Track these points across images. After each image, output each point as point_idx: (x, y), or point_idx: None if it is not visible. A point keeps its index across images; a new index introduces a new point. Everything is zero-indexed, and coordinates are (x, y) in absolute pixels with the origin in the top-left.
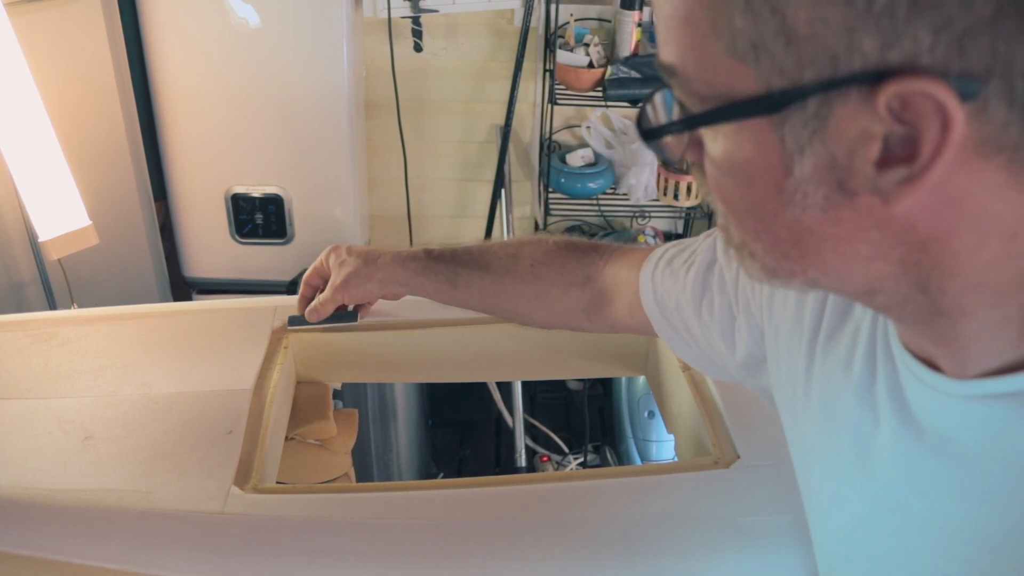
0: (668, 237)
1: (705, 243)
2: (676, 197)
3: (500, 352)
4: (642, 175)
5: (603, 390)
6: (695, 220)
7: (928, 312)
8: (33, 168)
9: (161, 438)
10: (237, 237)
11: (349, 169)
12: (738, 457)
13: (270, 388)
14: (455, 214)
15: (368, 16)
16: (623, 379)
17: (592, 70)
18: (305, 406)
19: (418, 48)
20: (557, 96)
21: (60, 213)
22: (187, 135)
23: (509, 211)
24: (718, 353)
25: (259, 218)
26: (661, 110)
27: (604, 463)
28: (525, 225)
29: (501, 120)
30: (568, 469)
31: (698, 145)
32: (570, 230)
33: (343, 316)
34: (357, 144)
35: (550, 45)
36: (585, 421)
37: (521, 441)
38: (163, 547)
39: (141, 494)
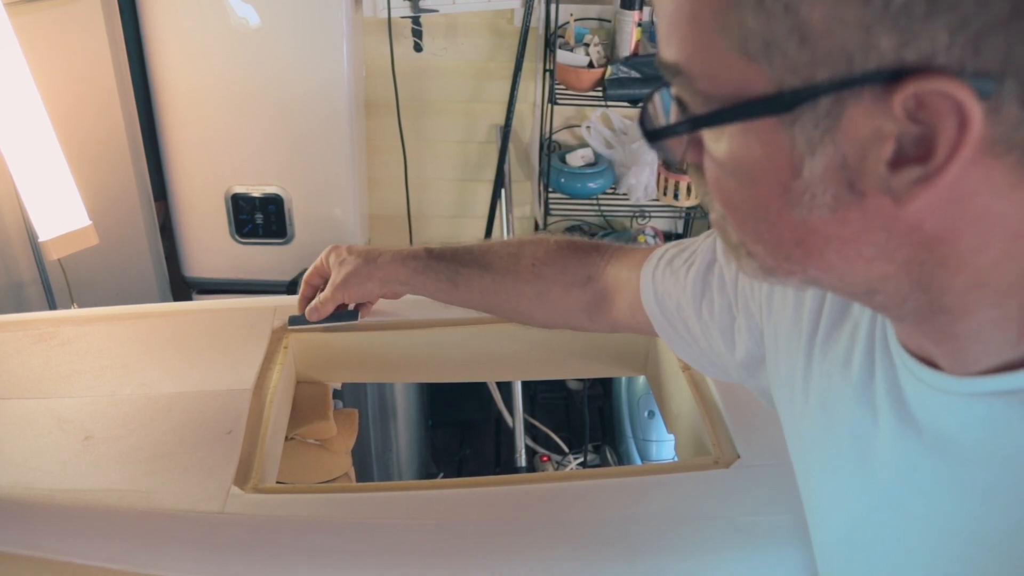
0: (668, 237)
1: (705, 243)
2: (676, 197)
3: (500, 352)
4: (642, 175)
5: (603, 390)
6: (695, 220)
7: (928, 311)
8: (33, 168)
9: (161, 438)
10: (237, 237)
11: (349, 169)
12: (738, 457)
13: (270, 388)
14: (455, 214)
15: (368, 16)
16: (623, 379)
17: (592, 70)
18: (305, 406)
19: (418, 48)
20: (557, 96)
21: (60, 213)
22: (187, 135)
23: (509, 211)
24: (718, 353)
25: (259, 218)
26: (662, 110)
27: (604, 463)
28: (525, 225)
29: (501, 120)
30: (568, 469)
31: (698, 145)
32: (570, 230)
33: (343, 315)
34: (357, 144)
35: (550, 45)
36: (585, 421)
37: (521, 441)
38: (163, 547)
39: (141, 494)
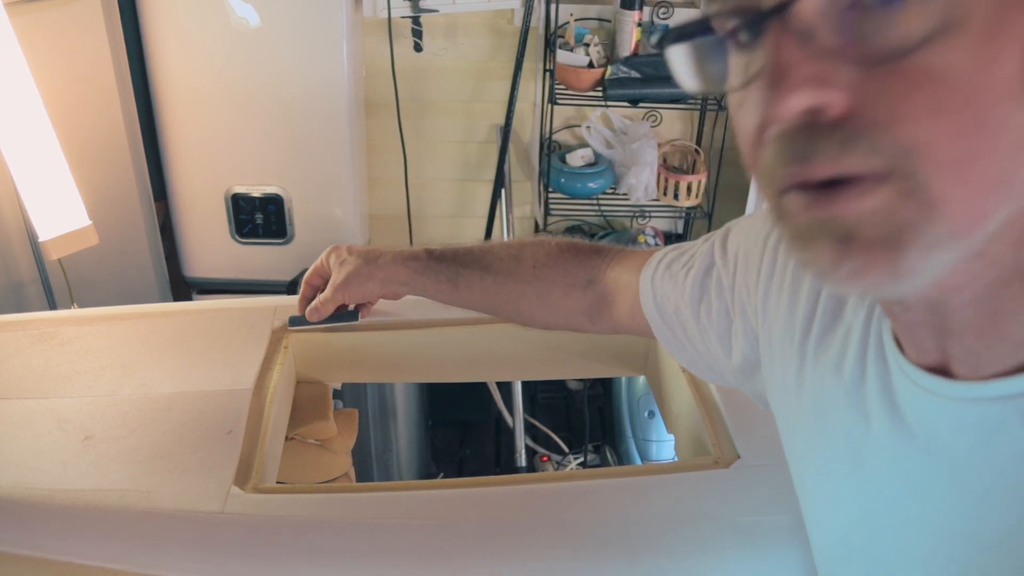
0: (668, 237)
1: (703, 247)
2: (676, 197)
3: (500, 352)
4: (642, 175)
5: (603, 390)
6: (695, 220)
7: (1014, 273)
8: (33, 168)
9: (161, 438)
10: (237, 237)
11: (349, 169)
12: (738, 457)
13: (270, 388)
14: (455, 214)
15: (368, 16)
16: (623, 379)
17: (592, 70)
18: (305, 406)
19: (418, 48)
20: (557, 96)
21: (60, 213)
22: (187, 135)
23: (509, 211)
24: (715, 357)
25: (259, 218)
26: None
27: (604, 463)
28: (525, 225)
29: (501, 120)
30: (568, 469)
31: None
32: (570, 230)
33: (344, 316)
34: (357, 144)
35: (550, 45)
36: (585, 421)
37: (521, 441)
38: (163, 547)
39: (141, 494)
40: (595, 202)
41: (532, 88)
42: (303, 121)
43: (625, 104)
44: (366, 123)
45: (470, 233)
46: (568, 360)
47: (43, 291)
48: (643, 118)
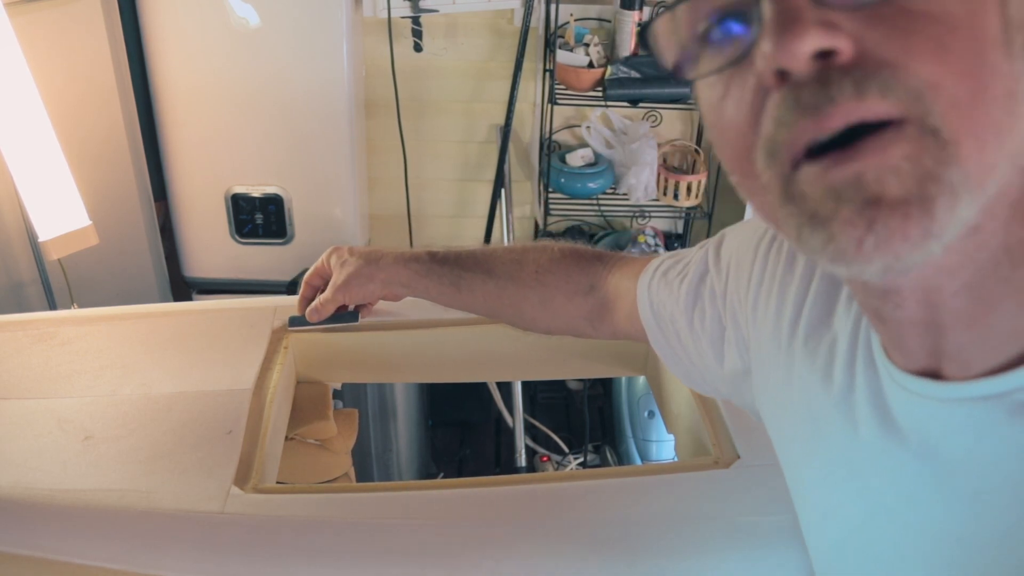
0: (668, 237)
1: (698, 254)
2: (676, 197)
3: (500, 352)
4: (642, 175)
5: (603, 390)
6: (695, 220)
7: (995, 264)
8: (33, 168)
9: (161, 438)
10: (237, 237)
11: (349, 169)
12: (738, 457)
13: (270, 388)
14: (455, 214)
15: (368, 16)
16: (623, 379)
17: (592, 70)
18: (305, 406)
19: (418, 48)
20: (557, 96)
21: (60, 213)
22: (187, 135)
23: (509, 211)
24: (707, 365)
25: (259, 218)
26: None
27: (604, 463)
28: (525, 225)
29: (501, 120)
30: (568, 469)
31: None
32: (570, 230)
33: (344, 316)
34: (357, 144)
35: (550, 45)
36: (585, 421)
37: (521, 441)
38: (163, 547)
39: (141, 494)
40: (595, 202)
41: (532, 88)
42: (303, 121)
43: (625, 104)
44: (366, 123)
45: (470, 233)
46: (568, 360)
47: (43, 291)
48: (643, 118)
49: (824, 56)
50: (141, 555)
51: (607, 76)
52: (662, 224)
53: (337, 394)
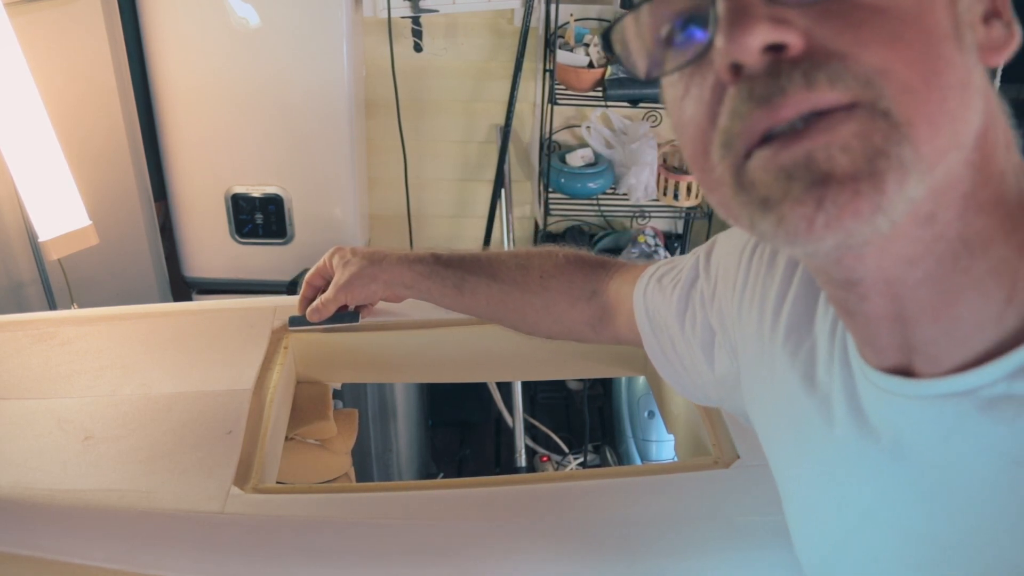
0: (668, 237)
1: (691, 260)
2: (676, 197)
3: (500, 352)
4: (642, 175)
5: (603, 390)
6: (695, 220)
7: (953, 253)
8: (33, 168)
9: (161, 438)
10: (237, 237)
11: (349, 169)
12: (738, 457)
13: (270, 388)
14: (455, 214)
15: (368, 16)
16: (623, 379)
17: (592, 70)
18: (305, 406)
19: (418, 48)
20: (557, 96)
21: (60, 213)
22: (187, 135)
23: (509, 211)
24: (699, 370)
25: (259, 218)
26: None
27: (604, 463)
28: (525, 225)
29: (501, 120)
30: (568, 469)
31: None
32: (570, 230)
33: (344, 316)
34: (357, 144)
35: (550, 45)
36: (585, 421)
37: (521, 441)
38: (163, 547)
39: (141, 494)
40: (595, 202)
41: (532, 88)
42: (303, 121)
43: (625, 104)
44: (366, 123)
45: (470, 233)
46: (568, 360)
47: (43, 291)
48: (643, 118)
49: (776, 51)
50: (141, 555)
51: (607, 76)
52: (662, 224)
53: (337, 394)
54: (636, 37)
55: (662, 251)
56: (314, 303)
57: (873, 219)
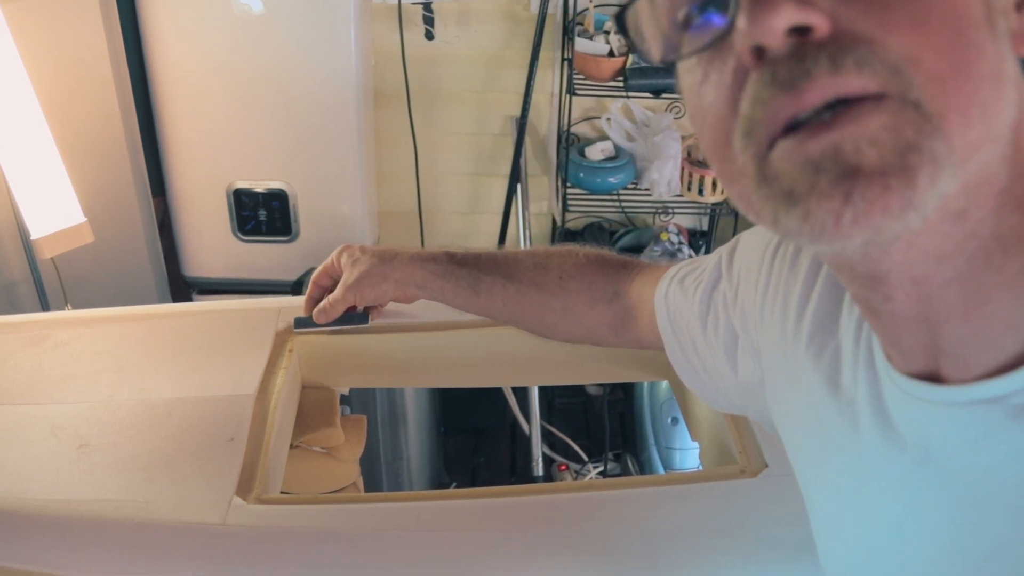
0: (692, 235)
1: (713, 260)
2: (701, 192)
3: (516, 356)
4: (665, 169)
5: (624, 395)
6: (720, 217)
7: (986, 251)
8: (25, 162)
9: (160, 445)
10: (239, 234)
11: (357, 163)
12: (766, 465)
13: (274, 393)
14: (468, 210)
15: (377, 2)
16: (645, 383)
17: (612, 59)
18: (311, 412)
19: (429, 36)
20: (576, 86)
21: (53, 209)
22: (187, 127)
23: (525, 207)
24: (722, 375)
25: (263, 214)
26: None
27: (625, 472)
28: (542, 222)
29: (517, 111)
30: (587, 478)
31: None
32: (589, 227)
33: (353, 318)
34: (365, 136)
35: (568, 33)
36: (605, 428)
37: (538, 449)
38: (162, 559)
39: (139, 504)
40: (615, 198)
41: (549, 78)
42: (309, 113)
43: (647, 95)
44: (375, 114)
45: (484, 230)
46: (587, 364)
47: (35, 291)
48: (666, 109)
49: (801, 33)
50: (139, 568)
51: (628, 65)
52: (686, 221)
53: (345, 399)
54: (651, 20)
55: (686, 249)
56: (321, 304)
57: (904, 216)
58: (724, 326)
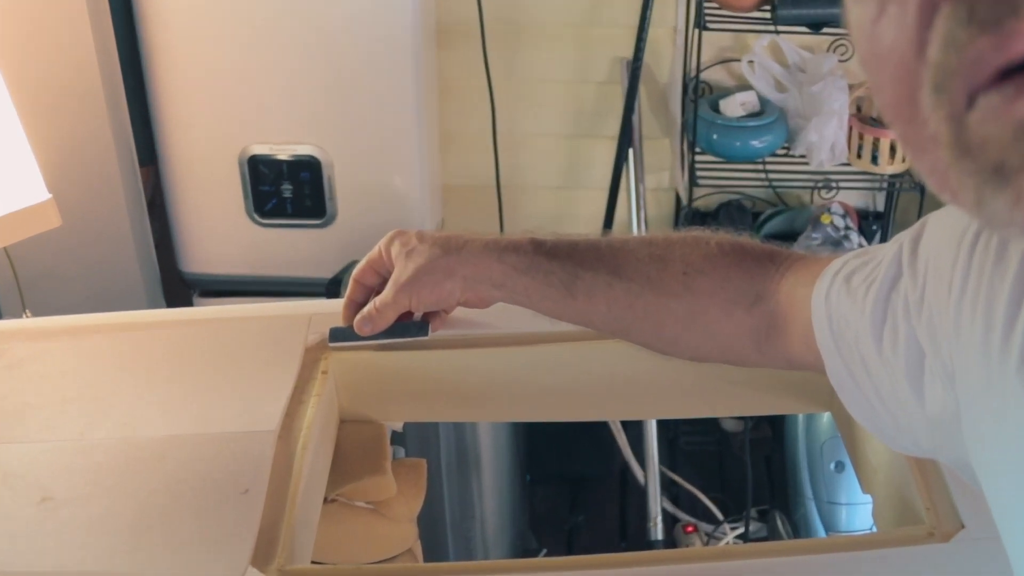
0: (863, 217)
1: (891, 251)
2: (875, 160)
3: (626, 380)
4: (827, 129)
5: (771, 432)
6: (901, 192)
7: None
8: None
9: (149, 500)
10: (256, 216)
11: (413, 120)
12: (962, 527)
13: (302, 429)
14: (563, 184)
15: None
16: (800, 417)
17: None
18: (352, 455)
19: None
20: (707, 18)
21: (8, 184)
22: (185, 75)
23: (639, 180)
24: (903, 404)
25: (287, 190)
26: None
27: (773, 535)
28: (662, 200)
29: (627, 52)
30: (723, 543)
31: None
32: (725, 207)
33: (408, 328)
34: (424, 85)
35: None
36: (746, 476)
37: (656, 504)
38: None
39: None
40: (760, 167)
41: (672, 6)
42: (348, 54)
43: (803, 30)
44: (438, 56)
45: (584, 211)
46: (722, 390)
47: None
48: (829, 49)
49: None
50: None
51: None
52: (854, 198)
53: (397, 438)
54: None
55: (854, 236)
56: (366, 309)
57: None
58: (905, 340)
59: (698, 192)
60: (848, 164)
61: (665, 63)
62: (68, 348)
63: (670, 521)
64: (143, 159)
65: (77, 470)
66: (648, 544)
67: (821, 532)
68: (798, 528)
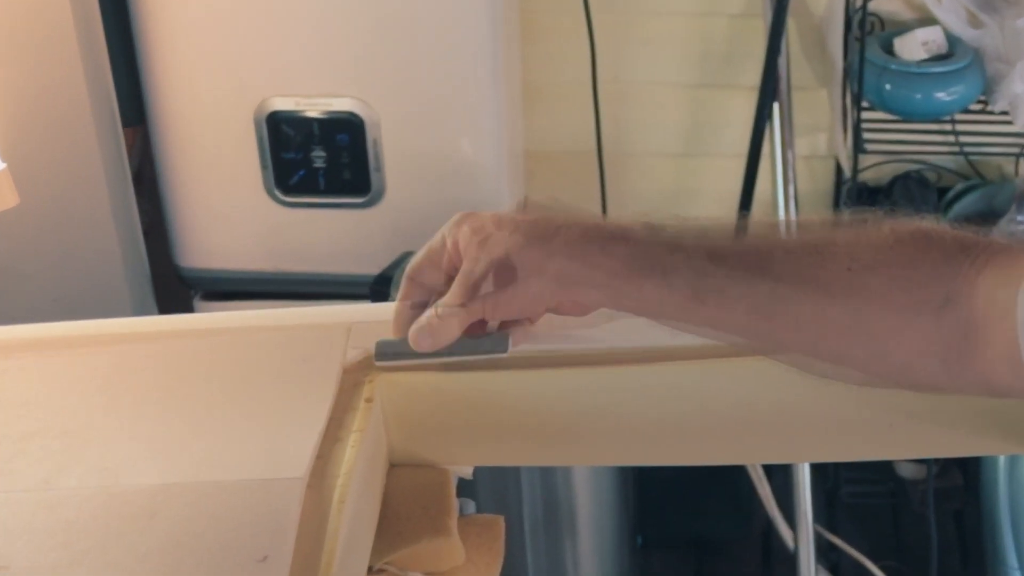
0: None
1: None
2: None
3: (770, 409)
4: None
5: (963, 480)
6: None
7: None
8: None
9: (137, 569)
10: (277, 193)
11: (488, 68)
12: None
13: (339, 477)
14: (685, 150)
15: None
16: (1000, 459)
17: None
18: (406, 510)
19: None
20: None
21: None
22: (183, 12)
23: (787, 145)
24: None
25: (318, 158)
26: None
27: None
28: (816, 170)
29: None
30: None
31: None
32: (901, 179)
33: (481, 342)
34: (501, 21)
35: None
36: (931, 536)
37: (810, 572)
38: None
39: None
40: (948, 127)
41: None
42: None
43: None
44: None
45: (713, 185)
46: (898, 424)
47: None
48: None
49: None
50: None
51: None
52: None
53: (466, 487)
54: None
55: None
56: (424, 317)
57: None
58: None
59: (865, 160)
60: None
61: None
62: (30, 367)
63: None
64: (128, 118)
65: (39, 530)
66: None
67: None
68: None
